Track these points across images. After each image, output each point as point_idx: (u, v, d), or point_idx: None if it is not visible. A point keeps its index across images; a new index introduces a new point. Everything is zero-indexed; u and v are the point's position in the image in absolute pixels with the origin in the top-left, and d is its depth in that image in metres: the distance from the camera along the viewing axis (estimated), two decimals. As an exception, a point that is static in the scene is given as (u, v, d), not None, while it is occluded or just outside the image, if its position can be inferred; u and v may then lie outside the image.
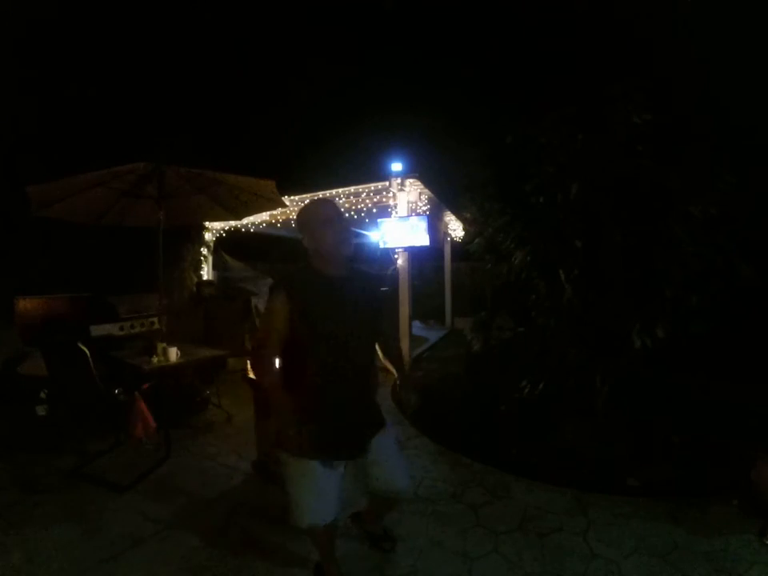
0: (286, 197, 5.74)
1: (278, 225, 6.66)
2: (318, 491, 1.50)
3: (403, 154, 5.25)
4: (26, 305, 4.78)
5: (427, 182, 5.52)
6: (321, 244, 1.48)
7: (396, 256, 5.64)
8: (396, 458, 1.66)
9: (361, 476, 1.64)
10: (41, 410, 3.60)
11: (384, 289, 1.61)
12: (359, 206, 5.70)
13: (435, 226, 7.42)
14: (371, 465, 1.60)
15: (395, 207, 5.50)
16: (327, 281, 1.49)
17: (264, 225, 6.65)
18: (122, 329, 4.58)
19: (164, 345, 3.49)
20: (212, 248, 7.27)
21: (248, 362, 2.92)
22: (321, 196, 5.77)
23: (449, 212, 7.57)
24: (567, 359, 3.01)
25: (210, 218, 5.68)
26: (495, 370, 3.77)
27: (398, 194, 5.39)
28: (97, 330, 4.36)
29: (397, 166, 5.18)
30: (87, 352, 2.67)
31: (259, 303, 5.73)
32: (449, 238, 8.72)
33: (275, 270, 8.35)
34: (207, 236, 7.17)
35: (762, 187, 2.91)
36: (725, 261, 2.67)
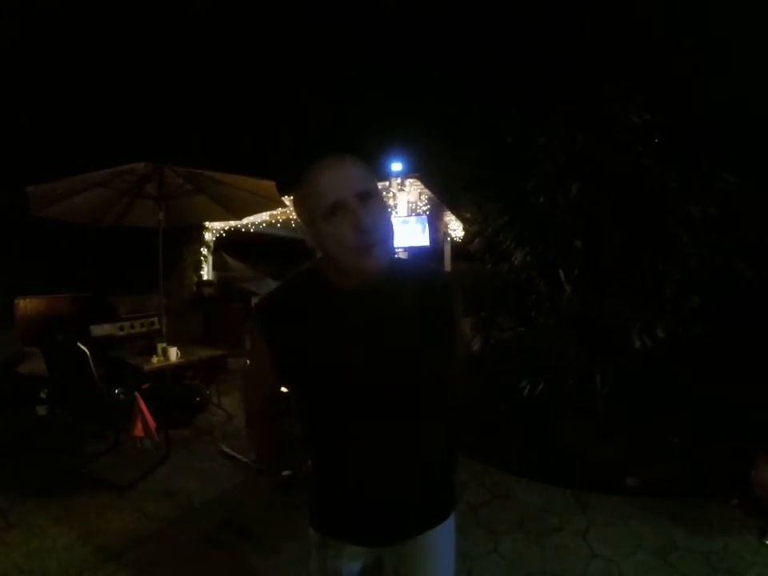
0: (286, 197, 5.74)
1: (278, 225, 6.67)
2: None
3: (403, 153, 5.25)
4: (26, 305, 4.80)
5: (427, 182, 5.52)
6: (325, 246, 0.81)
7: (396, 256, 5.62)
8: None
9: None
10: (41, 410, 3.61)
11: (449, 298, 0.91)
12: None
13: (435, 226, 7.42)
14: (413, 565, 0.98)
15: (395, 207, 5.50)
16: (338, 299, 0.84)
17: (264, 225, 6.66)
18: (122, 329, 4.58)
19: (164, 345, 3.49)
20: (212, 248, 7.27)
21: (248, 361, 2.92)
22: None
23: (449, 212, 7.57)
24: (567, 359, 3.01)
25: (210, 218, 5.69)
26: (495, 370, 3.77)
27: (398, 194, 5.39)
28: (97, 330, 4.37)
29: (397, 166, 5.19)
30: (87, 352, 2.67)
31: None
32: (449, 238, 8.71)
33: (274, 270, 8.36)
34: (207, 236, 7.18)
35: (762, 187, 2.91)
36: (725, 261, 2.68)
